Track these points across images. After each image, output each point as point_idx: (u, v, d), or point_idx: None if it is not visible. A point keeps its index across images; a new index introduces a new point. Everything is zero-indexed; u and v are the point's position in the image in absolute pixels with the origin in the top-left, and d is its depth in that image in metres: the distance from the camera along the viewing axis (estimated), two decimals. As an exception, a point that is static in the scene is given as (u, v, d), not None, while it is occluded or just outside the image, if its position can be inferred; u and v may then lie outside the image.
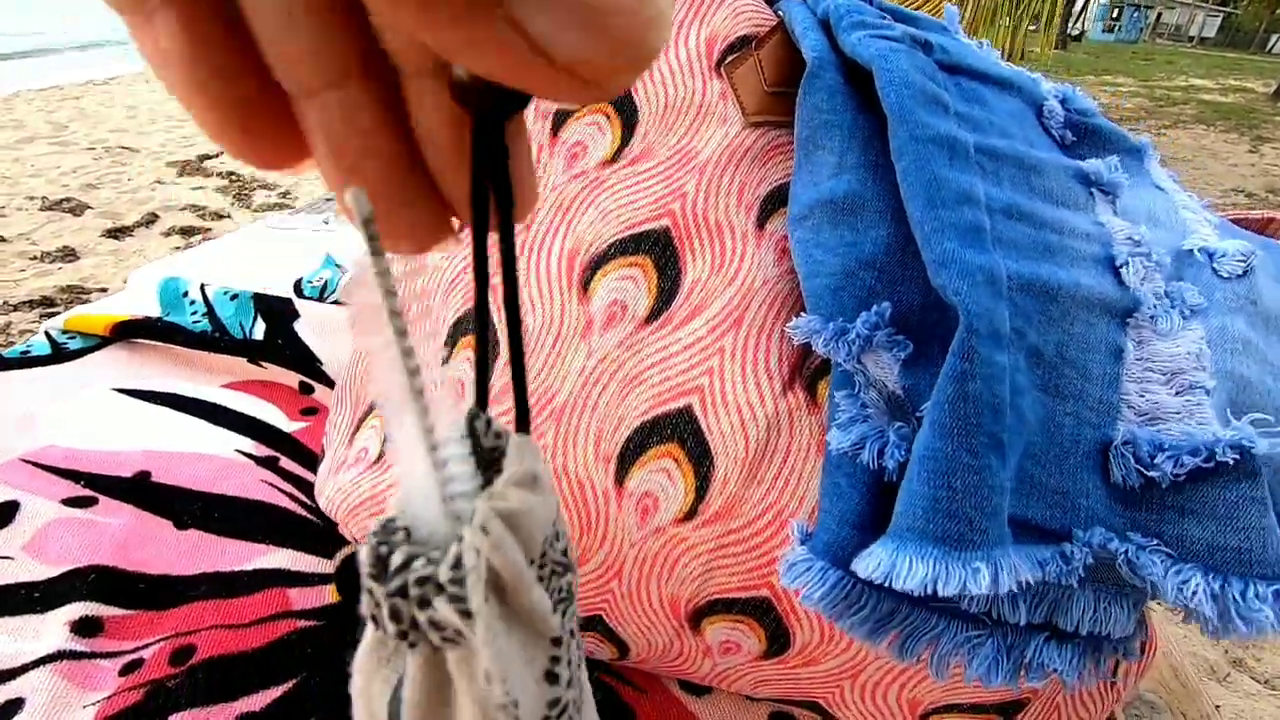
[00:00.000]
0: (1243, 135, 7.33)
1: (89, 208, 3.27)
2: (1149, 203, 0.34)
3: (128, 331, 0.72)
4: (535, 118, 0.41)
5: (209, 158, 4.11)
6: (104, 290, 2.53)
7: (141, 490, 0.56)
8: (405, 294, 0.12)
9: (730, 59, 0.40)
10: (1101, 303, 0.30)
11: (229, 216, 3.30)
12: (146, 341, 0.73)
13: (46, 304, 2.28)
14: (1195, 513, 0.27)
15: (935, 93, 0.30)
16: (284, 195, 3.66)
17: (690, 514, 0.34)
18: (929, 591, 0.23)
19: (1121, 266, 0.31)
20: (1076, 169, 0.34)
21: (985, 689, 0.30)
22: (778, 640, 0.35)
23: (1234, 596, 0.26)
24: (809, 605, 0.28)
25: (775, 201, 0.37)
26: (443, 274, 0.41)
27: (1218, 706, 0.62)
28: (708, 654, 0.38)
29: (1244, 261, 0.32)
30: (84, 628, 0.44)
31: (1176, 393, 0.29)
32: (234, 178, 3.87)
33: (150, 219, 3.15)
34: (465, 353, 0.39)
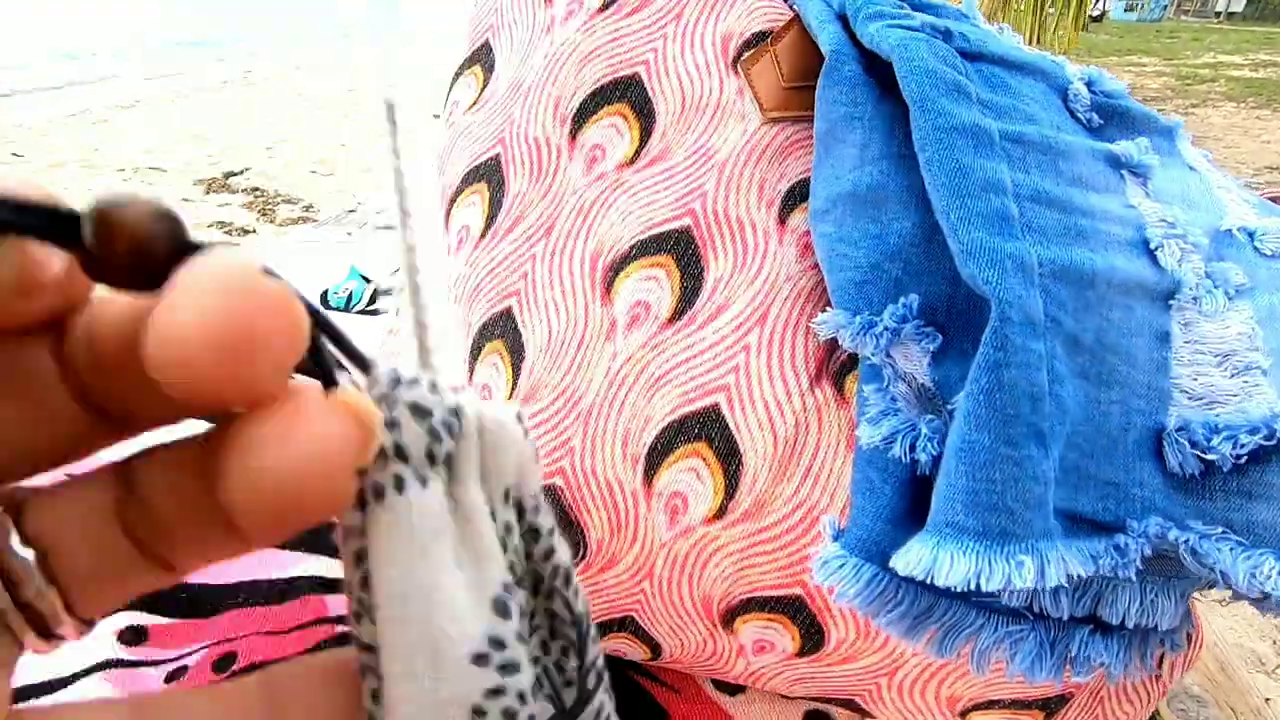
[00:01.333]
0: (1276, 111, 7.12)
1: (120, 228, 3.34)
2: (1182, 184, 0.34)
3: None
4: (554, 122, 0.41)
5: (234, 174, 4.19)
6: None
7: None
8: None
9: (746, 55, 0.40)
10: (1140, 286, 0.29)
11: (254, 232, 3.37)
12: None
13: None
14: (1262, 496, 0.26)
15: (957, 81, 0.30)
16: (307, 209, 3.72)
17: (720, 513, 0.34)
18: (972, 588, 0.23)
19: (1156, 249, 0.30)
20: (1105, 152, 0.33)
21: (1028, 684, 0.30)
22: (812, 638, 0.35)
23: None
24: (843, 602, 0.28)
25: (796, 197, 0.37)
26: (466, 281, 0.41)
27: (1267, 700, 0.60)
28: (741, 653, 0.38)
29: (1286, 240, 0.31)
30: (130, 636, 0.45)
31: (1231, 375, 0.28)
32: (258, 193, 3.95)
33: (180, 237, 3.23)
34: (492, 357, 0.39)
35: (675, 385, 0.35)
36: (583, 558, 0.37)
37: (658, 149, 0.39)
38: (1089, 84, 0.36)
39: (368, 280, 0.95)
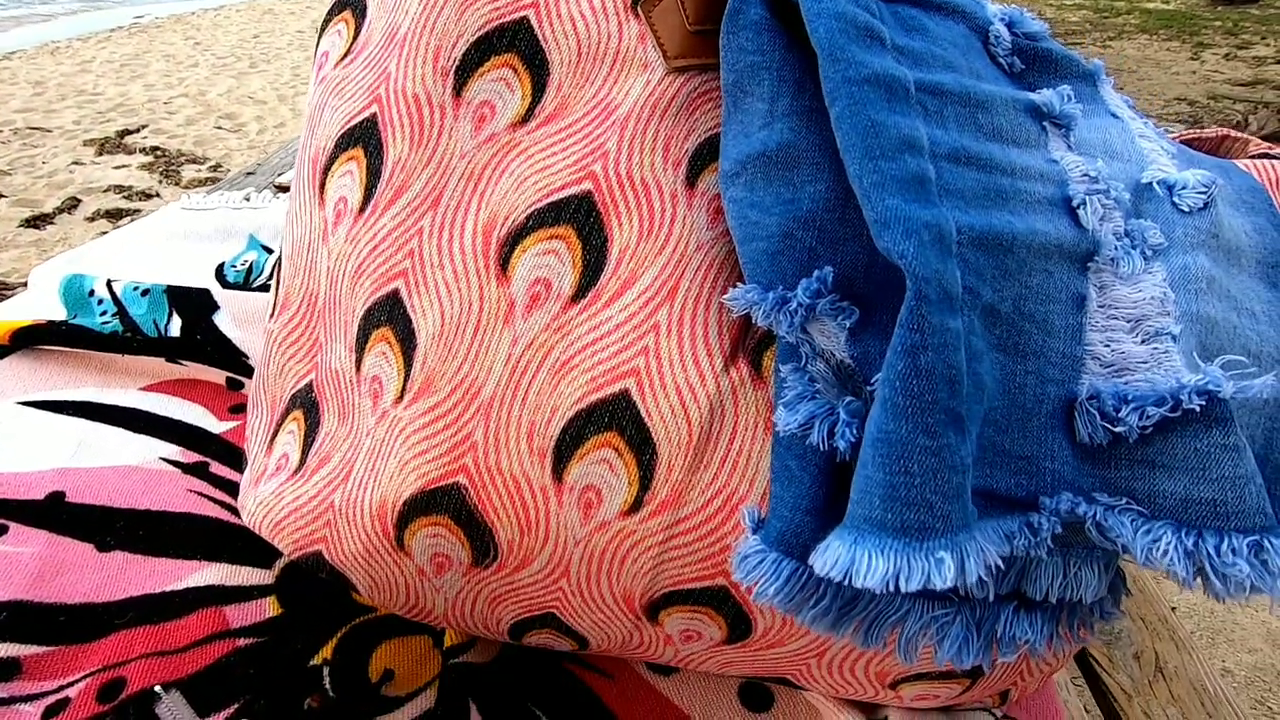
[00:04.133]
0: (1184, 43, 7.40)
1: (2, 196, 3.05)
2: (1104, 133, 0.32)
3: (30, 338, 0.66)
4: (435, 76, 0.36)
5: (130, 133, 3.86)
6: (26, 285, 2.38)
7: (56, 512, 0.51)
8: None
9: (647, -4, 0.36)
10: (1059, 249, 0.27)
11: (158, 195, 3.13)
12: (53, 348, 0.67)
13: (-35, 304, 2.15)
14: (1166, 466, 0.26)
15: (869, 24, 0.27)
16: (215, 169, 3.48)
17: (635, 506, 0.31)
18: (891, 589, 0.21)
19: (1079, 207, 0.28)
20: (1027, 101, 0.31)
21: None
22: (739, 627, 0.34)
23: (1208, 552, 0.24)
24: (763, 601, 0.26)
25: (705, 156, 0.34)
26: (348, 260, 0.37)
27: (1173, 608, 0.63)
28: (669, 642, 0.36)
29: (1204, 193, 0.30)
30: (0, 671, 0.41)
31: (1142, 341, 0.27)
32: (159, 153, 3.66)
33: (72, 204, 2.97)
34: (380, 345, 0.35)
35: (582, 371, 0.32)
36: (494, 559, 0.34)
37: (553, 105, 0.35)
38: (1010, 25, 0.33)
39: (268, 250, 0.88)
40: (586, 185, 0.33)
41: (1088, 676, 0.51)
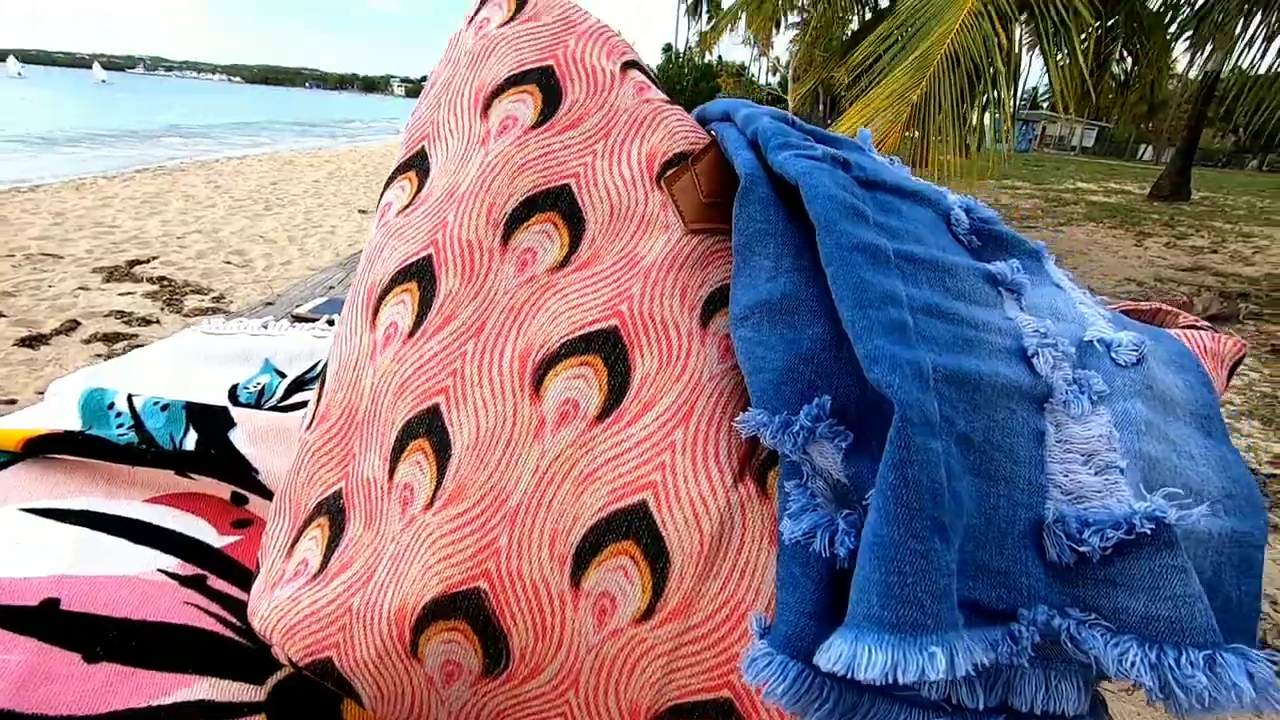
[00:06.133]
0: (1127, 231, 8.13)
1: (2, 316, 3.11)
2: (1051, 299, 0.38)
3: (43, 447, 0.68)
4: (487, 227, 0.42)
5: (140, 263, 4.01)
6: (12, 402, 2.37)
7: (47, 620, 0.51)
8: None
9: (669, 173, 0.43)
10: (1019, 390, 0.32)
11: (157, 322, 3.20)
12: (62, 457, 0.69)
13: (-54, 418, 2.12)
14: (1126, 585, 0.29)
15: (856, 205, 0.33)
16: (218, 300, 3.59)
17: (648, 613, 0.33)
18: (890, 680, 0.24)
19: (1033, 356, 0.34)
20: (985, 271, 0.37)
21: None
22: (742, 743, 0.34)
23: (1169, 664, 0.27)
24: (771, 701, 0.28)
25: (716, 302, 0.39)
26: (393, 376, 0.41)
27: None
28: (671, 763, 0.37)
29: (1137, 350, 0.36)
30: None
31: (1096, 472, 0.31)
32: (165, 282, 3.78)
33: (70, 326, 3.02)
34: (416, 455, 0.38)
35: (604, 483, 0.35)
36: (505, 668, 0.35)
37: (587, 254, 0.41)
38: (967, 210, 0.41)
39: (282, 375, 0.92)
40: (614, 322, 0.39)
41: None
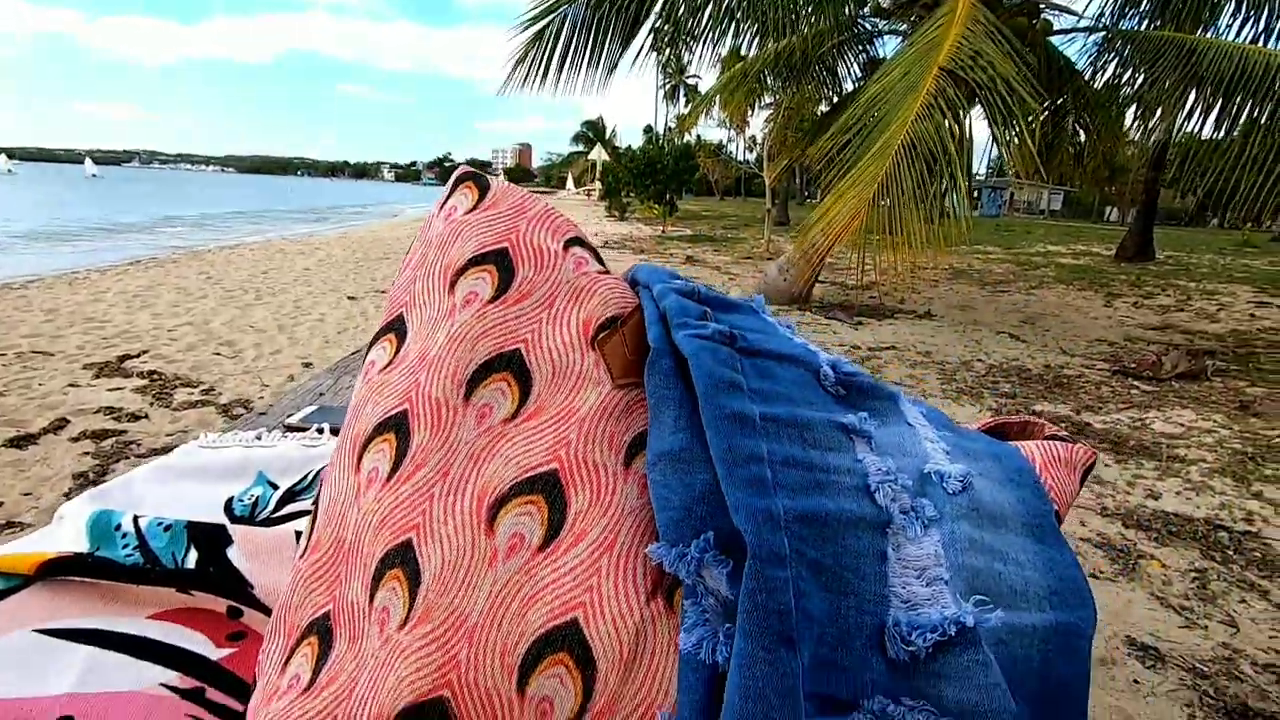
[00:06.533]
0: (1097, 292, 8.41)
1: (-6, 417, 3.15)
2: (899, 437, 0.48)
3: (56, 569, 0.75)
4: (453, 386, 0.52)
5: (130, 357, 4.09)
6: None
7: (64, 736, 0.57)
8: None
9: (601, 335, 0.53)
10: (864, 520, 0.41)
11: (146, 417, 3.25)
12: (71, 578, 0.75)
13: (-64, 525, 2.15)
14: (947, 676, 0.37)
15: (732, 379, 0.43)
16: (207, 393, 3.65)
17: (580, 714, 0.41)
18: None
19: (875, 491, 0.43)
20: (838, 423, 0.47)
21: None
22: (661, 823, 0.41)
23: None
24: (672, 786, 0.35)
25: (637, 445, 0.49)
26: (374, 514, 0.49)
27: None
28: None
29: (963, 481, 0.45)
30: None
31: (926, 584, 0.40)
32: (155, 376, 3.84)
33: (59, 424, 3.06)
34: (392, 583, 0.47)
35: (544, 603, 0.43)
36: (464, 764, 0.42)
37: (533, 408, 0.51)
38: (834, 366, 0.51)
39: (275, 486, 0.99)
40: (554, 465, 0.48)
41: None
